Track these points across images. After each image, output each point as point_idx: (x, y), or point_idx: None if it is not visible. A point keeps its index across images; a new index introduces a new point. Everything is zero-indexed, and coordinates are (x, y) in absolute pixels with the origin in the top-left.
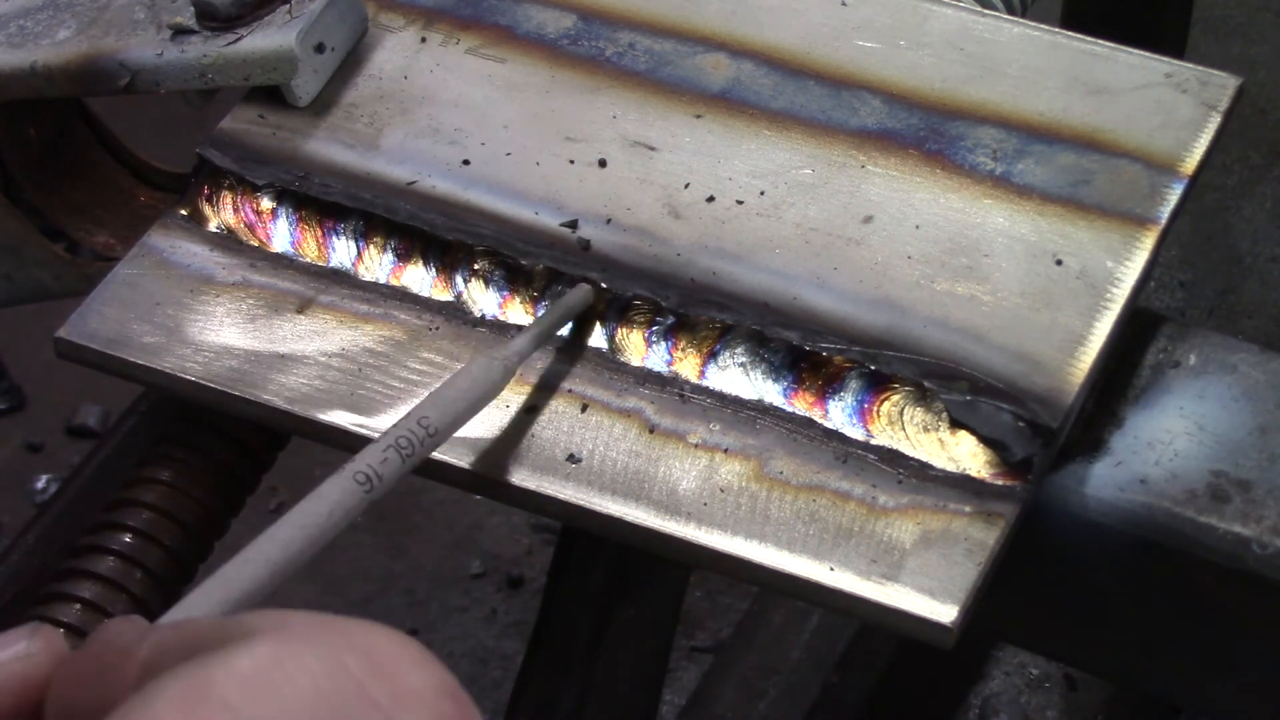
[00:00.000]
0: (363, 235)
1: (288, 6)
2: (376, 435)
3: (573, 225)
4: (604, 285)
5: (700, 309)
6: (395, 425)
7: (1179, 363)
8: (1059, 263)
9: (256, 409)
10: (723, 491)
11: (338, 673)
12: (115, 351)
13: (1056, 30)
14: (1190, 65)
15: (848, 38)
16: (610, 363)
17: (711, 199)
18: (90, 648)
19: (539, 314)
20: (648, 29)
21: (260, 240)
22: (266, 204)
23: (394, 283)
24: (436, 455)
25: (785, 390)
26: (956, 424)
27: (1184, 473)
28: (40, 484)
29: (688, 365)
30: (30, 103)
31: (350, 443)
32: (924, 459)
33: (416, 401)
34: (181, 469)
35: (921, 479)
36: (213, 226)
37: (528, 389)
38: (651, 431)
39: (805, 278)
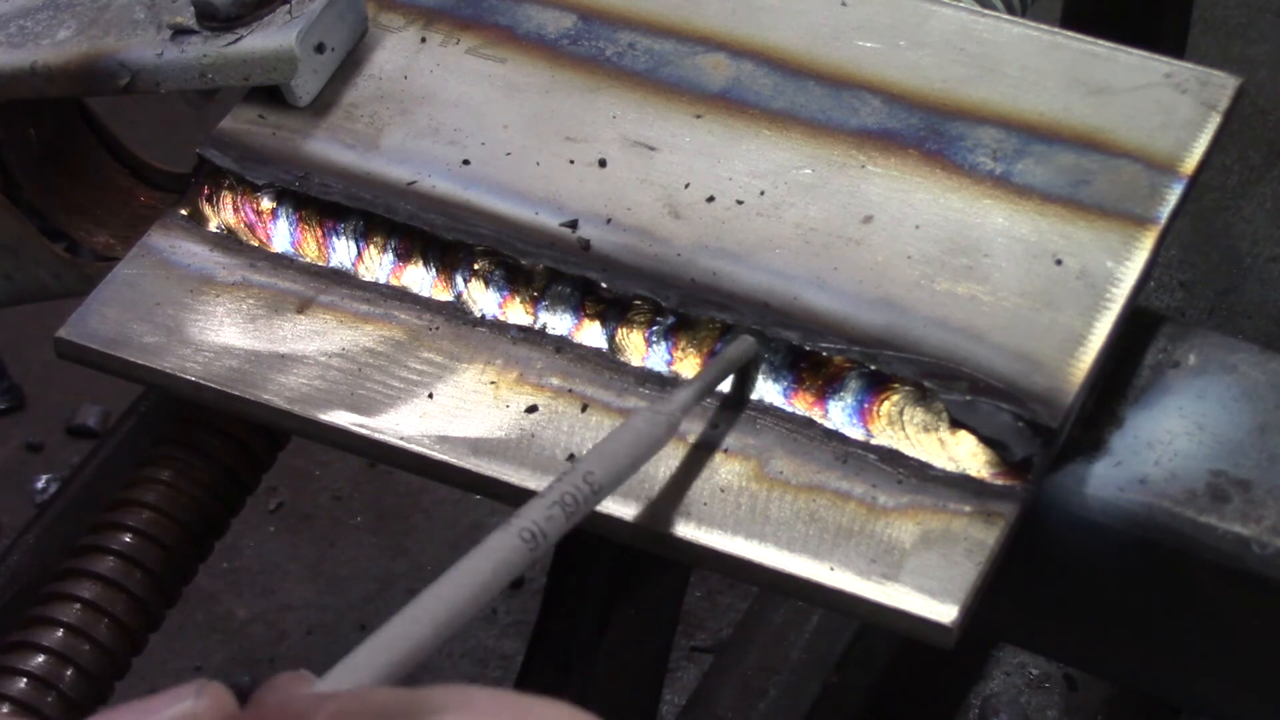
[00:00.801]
0: (363, 235)
1: (288, 6)
2: (379, 436)
3: (573, 225)
4: (604, 285)
5: (700, 309)
6: (560, 480)
7: (1179, 363)
8: (1059, 263)
9: (256, 409)
10: (723, 491)
11: None
12: (115, 351)
13: (1056, 30)
14: (1190, 65)
15: (848, 38)
16: (610, 363)
17: (711, 199)
18: (261, 711)
19: (704, 366)
20: (648, 29)
21: (260, 240)
22: (266, 204)
23: (394, 283)
24: (435, 455)
25: (785, 390)
26: (956, 424)
27: (1184, 473)
28: (40, 484)
29: (688, 365)
30: (30, 103)
31: (350, 442)
32: (924, 459)
33: (417, 402)
34: (181, 469)
35: (921, 479)
36: (213, 226)
37: (528, 389)
38: None
39: (805, 278)
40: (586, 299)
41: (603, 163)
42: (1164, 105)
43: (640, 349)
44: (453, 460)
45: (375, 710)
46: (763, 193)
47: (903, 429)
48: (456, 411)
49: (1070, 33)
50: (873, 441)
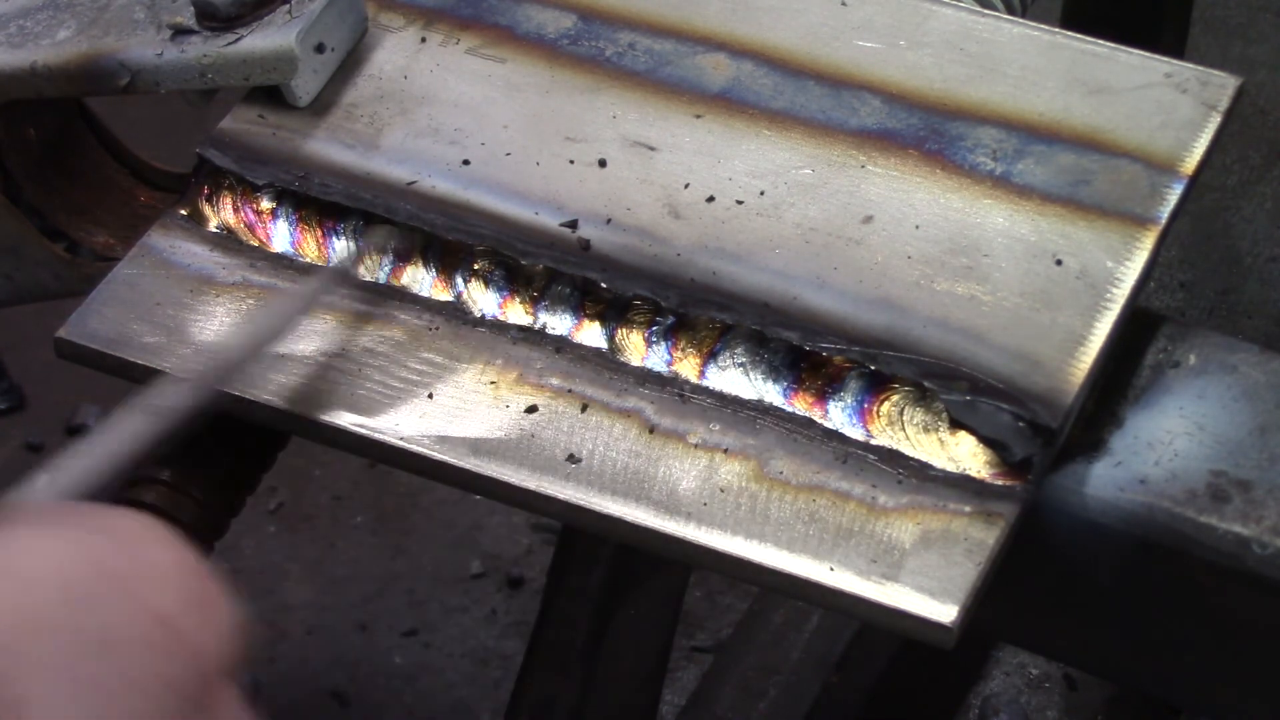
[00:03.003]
0: (363, 235)
1: (288, 6)
2: (379, 436)
3: (573, 225)
4: (604, 285)
5: (700, 309)
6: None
7: (1179, 363)
8: (1059, 263)
9: (256, 409)
10: (723, 491)
11: (80, 554)
12: (115, 351)
13: (1056, 30)
14: (1190, 65)
15: (848, 38)
16: (610, 363)
17: (711, 199)
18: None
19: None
20: (648, 29)
21: (260, 240)
22: (266, 204)
23: (394, 283)
24: (435, 455)
25: (785, 390)
26: (956, 424)
27: (1184, 473)
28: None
29: (688, 365)
30: (30, 103)
31: (350, 442)
32: (924, 459)
33: (417, 402)
34: (181, 469)
35: (921, 479)
36: (213, 226)
37: (528, 389)
38: (651, 431)
39: (805, 278)
40: (586, 299)
41: (603, 163)
42: (1164, 105)
43: (640, 349)
44: (453, 460)
45: None
46: (763, 193)
47: (903, 429)
48: (456, 411)
49: (1070, 33)
50: (873, 441)
